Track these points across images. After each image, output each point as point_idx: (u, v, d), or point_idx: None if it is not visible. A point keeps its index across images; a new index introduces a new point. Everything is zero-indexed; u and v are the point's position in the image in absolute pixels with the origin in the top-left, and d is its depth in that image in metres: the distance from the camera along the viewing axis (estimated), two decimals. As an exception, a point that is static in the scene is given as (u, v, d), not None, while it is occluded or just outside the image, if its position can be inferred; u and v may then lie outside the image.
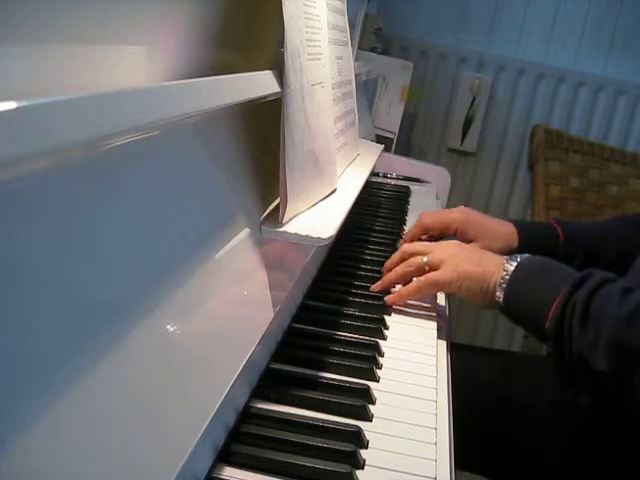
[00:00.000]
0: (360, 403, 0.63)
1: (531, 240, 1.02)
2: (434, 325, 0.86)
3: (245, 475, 0.52)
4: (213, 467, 0.51)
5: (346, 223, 0.79)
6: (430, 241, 1.01)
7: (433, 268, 0.86)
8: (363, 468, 0.55)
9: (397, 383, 0.70)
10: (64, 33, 0.43)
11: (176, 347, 0.46)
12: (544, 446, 0.91)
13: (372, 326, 0.81)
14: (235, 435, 0.55)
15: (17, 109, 0.29)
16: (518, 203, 2.19)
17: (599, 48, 2.08)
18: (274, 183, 0.66)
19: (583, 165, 2.05)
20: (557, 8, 2.08)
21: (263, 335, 0.60)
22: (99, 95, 0.36)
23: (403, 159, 1.71)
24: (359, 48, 1.61)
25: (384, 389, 0.68)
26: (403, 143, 2.09)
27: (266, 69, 0.65)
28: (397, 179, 1.63)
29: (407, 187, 1.55)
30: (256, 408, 0.59)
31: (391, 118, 1.88)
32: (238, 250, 0.60)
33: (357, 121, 1.15)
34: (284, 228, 0.66)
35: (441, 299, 0.94)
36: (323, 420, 0.59)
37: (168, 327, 0.46)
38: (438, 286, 0.86)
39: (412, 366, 0.74)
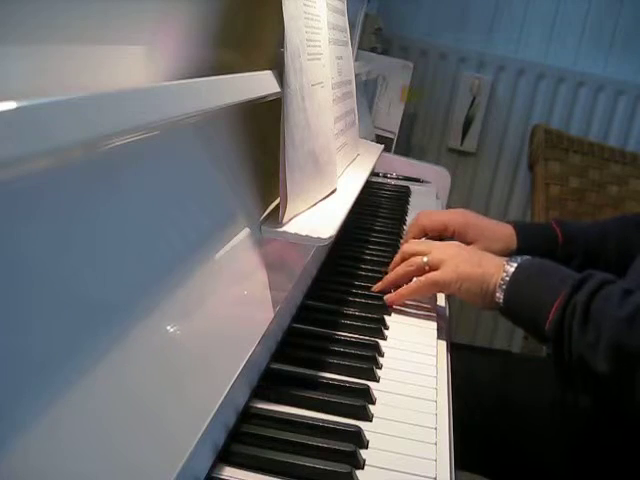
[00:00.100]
0: (360, 403, 0.63)
1: (530, 241, 1.02)
2: (434, 325, 0.86)
3: (245, 475, 0.52)
4: (213, 467, 0.51)
5: (346, 223, 0.79)
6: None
7: (433, 268, 0.86)
8: (363, 468, 0.55)
9: (397, 383, 0.70)
10: (64, 33, 0.43)
11: (176, 347, 0.46)
12: (544, 446, 0.91)
13: (372, 326, 0.81)
14: (235, 435, 0.55)
15: (17, 109, 0.29)
16: (518, 203, 2.19)
17: (599, 48, 2.08)
18: (274, 183, 0.66)
19: (583, 165, 2.05)
20: (557, 8, 2.08)
21: (263, 335, 0.60)
22: (99, 95, 0.36)
23: (403, 159, 1.71)
24: (359, 48, 1.61)
25: (384, 389, 0.68)
26: (403, 143, 2.09)
27: (266, 69, 0.65)
28: (397, 179, 1.63)
29: (407, 187, 1.55)
30: (256, 408, 0.59)
31: (391, 118, 1.88)
32: (238, 250, 0.60)
33: (357, 121, 1.15)
34: (284, 228, 0.66)
35: (441, 299, 0.94)
36: (323, 420, 0.59)
37: (168, 327, 0.46)
38: (438, 286, 0.86)
39: (412, 366, 0.74)
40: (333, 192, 0.83)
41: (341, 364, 0.70)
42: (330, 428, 0.58)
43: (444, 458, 0.58)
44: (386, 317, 0.85)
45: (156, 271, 0.46)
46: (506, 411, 0.96)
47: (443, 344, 0.82)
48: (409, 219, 1.31)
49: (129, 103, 0.39)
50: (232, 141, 0.66)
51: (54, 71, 0.42)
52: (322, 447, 0.55)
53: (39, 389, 0.33)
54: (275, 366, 0.67)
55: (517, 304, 0.81)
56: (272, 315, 0.63)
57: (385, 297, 0.88)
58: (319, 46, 0.80)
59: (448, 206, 1.61)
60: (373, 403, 0.65)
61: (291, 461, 0.53)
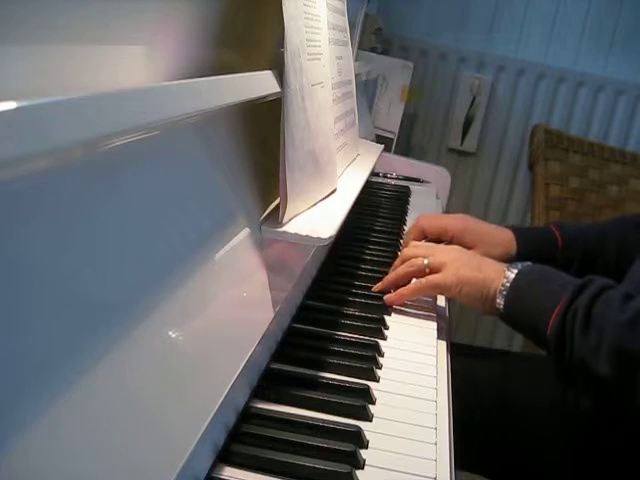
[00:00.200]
0: (360, 403, 0.63)
1: (530, 246, 1.03)
2: (434, 325, 0.86)
3: (245, 475, 0.52)
4: (213, 467, 0.51)
5: (346, 223, 0.79)
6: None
7: (434, 271, 0.87)
8: (363, 468, 0.55)
9: (397, 383, 0.70)
10: (64, 33, 0.43)
11: (176, 347, 0.46)
12: (544, 446, 0.91)
13: (372, 326, 0.81)
14: (235, 435, 0.55)
15: (17, 109, 0.29)
16: (518, 203, 2.19)
17: (599, 48, 2.08)
18: (274, 183, 0.66)
19: (583, 165, 2.05)
20: (557, 8, 2.08)
21: (263, 335, 0.60)
22: (99, 95, 0.36)
23: (403, 159, 1.71)
24: (359, 48, 1.60)
25: (384, 389, 0.68)
26: (403, 143, 2.09)
27: (266, 69, 0.65)
28: (397, 179, 1.63)
29: (407, 187, 1.55)
30: (256, 408, 0.59)
31: (391, 118, 1.88)
32: (238, 250, 0.60)
33: (357, 121, 1.15)
34: (284, 228, 0.66)
35: (441, 299, 0.94)
36: (323, 420, 0.59)
37: (168, 327, 0.45)
38: (438, 289, 0.87)
39: (412, 366, 0.74)
40: (333, 192, 0.83)
41: (341, 364, 0.70)
42: (330, 428, 0.58)
43: (444, 458, 0.58)
44: (386, 317, 0.85)
45: (156, 271, 0.46)
46: (506, 411, 0.96)
47: (443, 344, 0.82)
48: (409, 219, 1.31)
49: (129, 103, 0.39)
50: (232, 141, 0.66)
51: (54, 71, 0.42)
52: (322, 447, 0.55)
53: (39, 389, 0.33)
54: (275, 366, 0.67)
55: (518, 310, 0.81)
56: (272, 315, 0.63)
57: (385, 297, 0.88)
58: (319, 46, 0.80)
59: (448, 206, 1.61)
60: (373, 403, 0.65)
61: (291, 461, 0.53)
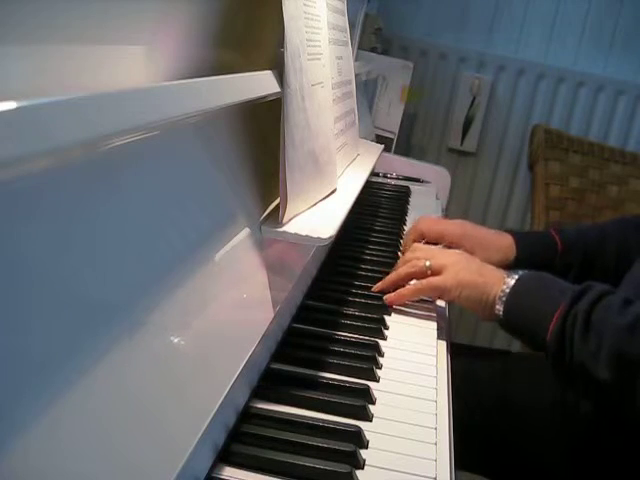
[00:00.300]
0: (360, 403, 0.63)
1: (529, 251, 1.02)
2: (434, 325, 0.86)
3: (245, 475, 0.52)
4: (213, 467, 0.51)
5: (346, 223, 0.79)
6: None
7: (435, 273, 0.87)
8: (363, 468, 0.55)
9: (397, 383, 0.70)
10: (64, 33, 0.43)
11: (176, 347, 0.46)
12: (544, 446, 0.91)
13: (372, 326, 0.81)
14: (235, 435, 0.55)
15: (17, 109, 0.29)
16: (518, 203, 2.19)
17: (599, 48, 2.08)
18: (274, 183, 0.66)
19: (583, 165, 2.05)
20: (557, 8, 2.08)
21: (263, 335, 0.60)
22: (99, 95, 0.36)
23: (403, 159, 1.71)
24: (359, 48, 1.60)
25: (384, 389, 0.68)
26: (403, 143, 2.09)
27: (266, 69, 0.65)
28: (397, 179, 1.63)
29: (407, 187, 1.55)
30: (256, 408, 0.59)
31: (391, 118, 1.88)
32: (238, 250, 0.60)
33: (357, 121, 1.15)
34: (284, 228, 0.66)
35: (441, 300, 0.94)
36: (323, 420, 0.59)
37: (168, 327, 0.45)
38: (438, 291, 0.87)
39: (412, 366, 0.74)
40: (333, 192, 0.83)
41: (341, 364, 0.70)
42: (330, 428, 0.58)
43: (444, 458, 0.58)
44: (386, 317, 0.85)
45: (156, 271, 0.46)
46: (506, 411, 0.96)
47: (443, 344, 0.82)
48: (409, 219, 1.31)
49: (129, 103, 0.39)
50: (232, 141, 0.66)
51: (54, 71, 0.42)
52: (322, 447, 0.55)
53: (39, 389, 0.33)
54: (275, 366, 0.67)
55: (517, 316, 0.81)
56: (272, 315, 0.63)
57: (385, 297, 0.88)
58: (319, 46, 0.80)
59: (448, 206, 1.61)
60: (373, 403, 0.65)
61: (291, 461, 0.53)
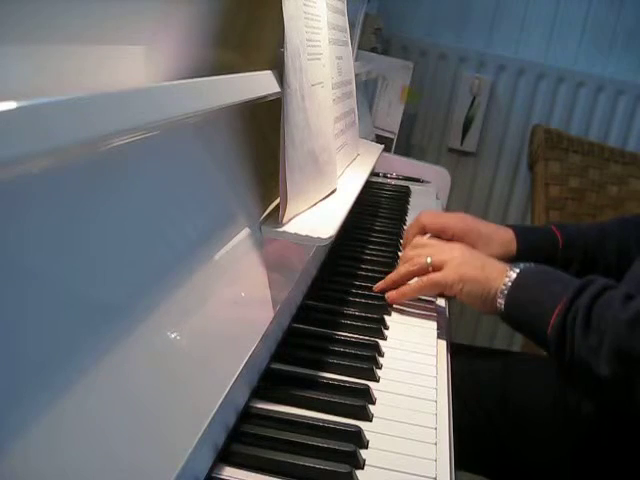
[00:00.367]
0: (360, 403, 0.63)
1: (530, 246, 1.02)
2: (434, 325, 0.86)
3: (245, 475, 0.52)
4: (213, 467, 0.51)
5: (346, 223, 0.79)
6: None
7: (436, 269, 0.87)
8: (363, 468, 0.55)
9: (397, 383, 0.70)
10: (64, 33, 0.43)
11: (176, 347, 0.46)
12: (544, 446, 0.91)
13: (372, 326, 0.81)
14: (235, 435, 0.55)
15: (17, 109, 0.29)
16: (518, 203, 2.19)
17: (599, 48, 2.08)
18: (274, 183, 0.66)
19: (583, 165, 2.05)
20: (557, 8, 2.08)
21: (263, 335, 0.60)
22: (99, 95, 0.36)
23: (403, 159, 1.71)
24: (359, 48, 1.60)
25: (384, 389, 0.68)
26: (403, 143, 2.09)
27: (266, 69, 0.65)
28: (397, 179, 1.63)
29: (407, 187, 1.55)
30: (256, 408, 0.59)
31: (391, 118, 1.88)
32: (238, 250, 0.60)
33: (357, 121, 1.15)
34: (284, 228, 0.66)
35: (441, 299, 0.94)
36: (323, 420, 0.59)
37: (168, 327, 0.45)
38: (440, 287, 0.86)
39: (412, 366, 0.74)
40: (333, 192, 0.83)
41: (341, 364, 0.70)
42: (330, 428, 0.58)
43: (444, 458, 0.58)
44: (386, 317, 0.85)
45: (156, 271, 0.46)
46: (506, 411, 0.96)
47: (443, 344, 0.82)
48: (409, 219, 1.31)
49: (129, 103, 0.39)
50: (232, 141, 0.66)
51: (54, 71, 0.42)
52: (322, 447, 0.55)
53: (39, 389, 0.33)
54: (275, 366, 0.67)
55: (518, 309, 0.81)
56: (272, 315, 0.63)
57: (386, 294, 0.88)
58: (319, 46, 0.80)
59: (448, 206, 1.61)
60: (373, 403, 0.65)
61: (291, 461, 0.53)
